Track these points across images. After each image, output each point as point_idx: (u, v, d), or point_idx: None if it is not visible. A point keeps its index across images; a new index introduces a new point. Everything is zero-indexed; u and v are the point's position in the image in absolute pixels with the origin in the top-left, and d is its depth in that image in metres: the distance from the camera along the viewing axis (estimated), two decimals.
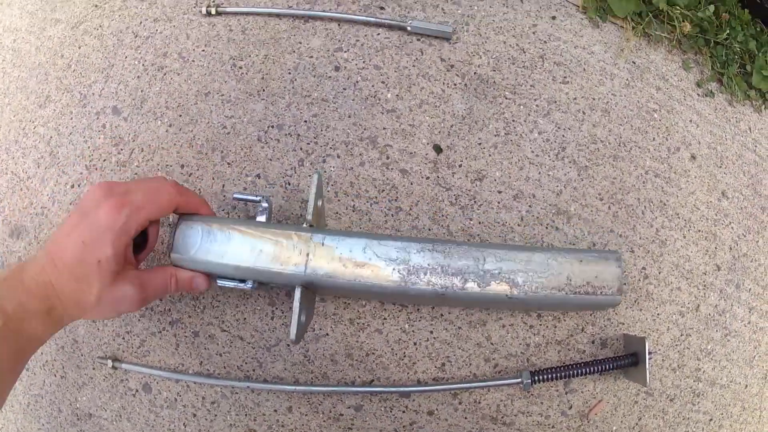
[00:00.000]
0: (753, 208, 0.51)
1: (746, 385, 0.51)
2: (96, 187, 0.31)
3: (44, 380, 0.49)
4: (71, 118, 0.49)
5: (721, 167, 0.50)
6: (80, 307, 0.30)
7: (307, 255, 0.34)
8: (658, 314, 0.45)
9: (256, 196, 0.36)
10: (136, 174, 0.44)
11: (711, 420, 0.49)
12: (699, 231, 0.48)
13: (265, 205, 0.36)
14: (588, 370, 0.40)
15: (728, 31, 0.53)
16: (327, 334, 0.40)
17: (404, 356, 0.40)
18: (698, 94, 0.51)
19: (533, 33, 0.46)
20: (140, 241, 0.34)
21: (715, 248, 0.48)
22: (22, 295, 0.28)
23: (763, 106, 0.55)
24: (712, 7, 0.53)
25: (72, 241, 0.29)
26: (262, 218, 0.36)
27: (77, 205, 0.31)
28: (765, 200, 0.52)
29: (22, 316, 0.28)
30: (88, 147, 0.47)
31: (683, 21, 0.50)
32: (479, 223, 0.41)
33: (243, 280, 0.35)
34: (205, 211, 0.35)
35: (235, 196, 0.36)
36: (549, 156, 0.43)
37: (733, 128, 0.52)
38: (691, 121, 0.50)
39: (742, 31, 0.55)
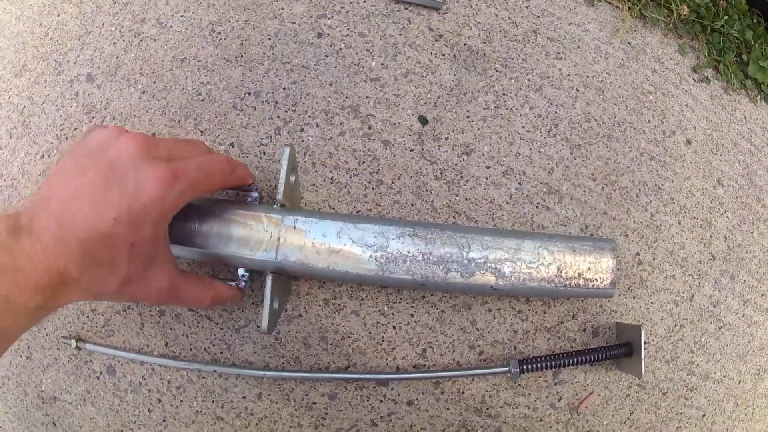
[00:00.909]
0: (748, 198, 0.47)
1: (739, 381, 0.46)
2: (127, 138, 0.21)
3: (10, 361, 0.43)
4: (45, 87, 0.44)
5: (716, 154, 0.46)
6: (89, 295, 0.21)
7: (278, 239, 0.29)
8: (651, 303, 0.41)
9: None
10: None
11: (704, 416, 0.44)
12: (694, 218, 0.43)
13: (255, 194, 0.31)
14: (580, 359, 0.35)
15: (725, 19, 0.49)
16: (300, 315, 0.35)
17: (383, 341, 0.35)
18: (694, 80, 0.47)
19: (526, 7, 0.41)
20: None
21: (710, 237, 0.44)
22: (11, 286, 0.19)
23: (759, 97, 0.51)
24: None
25: (98, 216, 0.19)
26: None
27: (93, 153, 0.20)
28: (760, 191, 0.48)
29: (4, 314, 0.19)
30: (60, 116, 0.42)
31: (680, 4, 0.46)
32: (465, 199, 0.36)
33: (234, 279, 0.31)
34: (249, 182, 0.29)
35: None
36: (540, 132, 0.38)
37: (728, 116, 0.48)
38: (686, 105, 0.45)
39: (738, 20, 0.51)
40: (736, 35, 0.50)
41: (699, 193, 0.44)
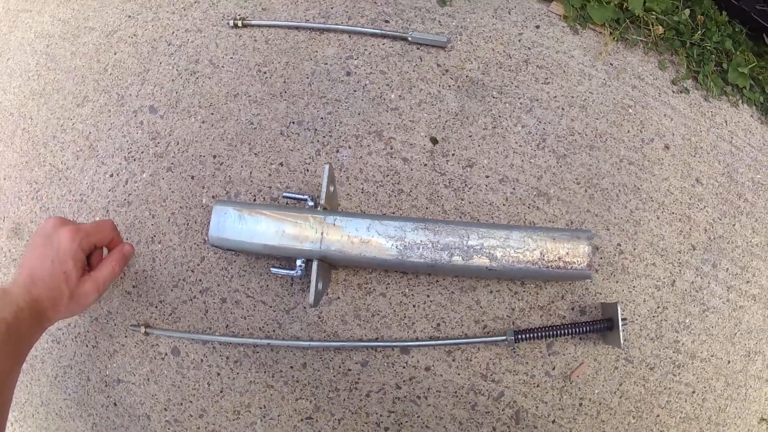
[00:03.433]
0: (728, 194, 0.68)
1: (728, 361, 0.66)
2: (53, 218, 0.50)
3: (75, 351, 0.65)
4: (109, 116, 0.67)
5: (695, 156, 0.67)
6: (57, 308, 0.48)
7: (322, 234, 0.50)
8: (633, 287, 0.61)
9: (303, 195, 0.53)
10: (172, 164, 0.62)
11: (693, 392, 0.64)
12: (673, 213, 0.64)
13: (311, 203, 0.53)
14: (567, 331, 0.56)
15: (703, 32, 0.71)
16: (338, 298, 0.57)
17: (405, 317, 0.57)
18: (673, 91, 0.68)
19: (519, 41, 0.64)
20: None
21: (690, 229, 0.65)
22: (15, 308, 0.45)
23: (740, 101, 0.72)
24: (687, 11, 0.71)
25: (44, 263, 0.47)
26: None
27: (39, 230, 0.49)
28: (741, 187, 0.69)
29: (19, 323, 0.44)
30: (127, 141, 0.65)
31: (656, 25, 0.68)
32: (469, 203, 0.58)
33: (292, 268, 0.52)
34: (118, 243, 0.55)
35: (284, 195, 0.53)
36: (531, 146, 0.60)
37: (708, 121, 0.69)
38: (665, 115, 0.67)
39: (718, 31, 0.72)
40: (715, 46, 0.71)
41: (677, 192, 0.65)
